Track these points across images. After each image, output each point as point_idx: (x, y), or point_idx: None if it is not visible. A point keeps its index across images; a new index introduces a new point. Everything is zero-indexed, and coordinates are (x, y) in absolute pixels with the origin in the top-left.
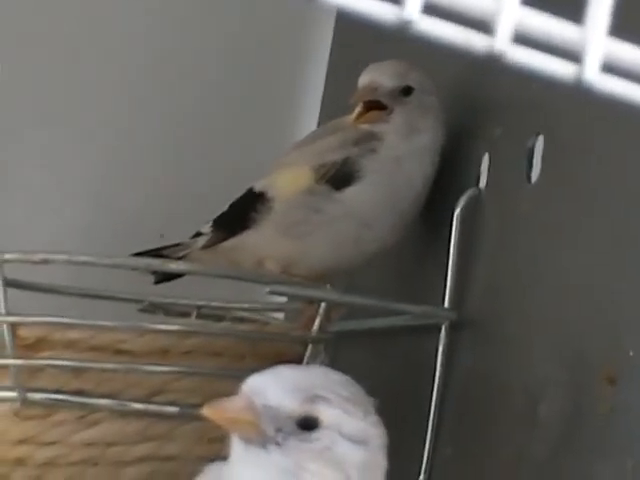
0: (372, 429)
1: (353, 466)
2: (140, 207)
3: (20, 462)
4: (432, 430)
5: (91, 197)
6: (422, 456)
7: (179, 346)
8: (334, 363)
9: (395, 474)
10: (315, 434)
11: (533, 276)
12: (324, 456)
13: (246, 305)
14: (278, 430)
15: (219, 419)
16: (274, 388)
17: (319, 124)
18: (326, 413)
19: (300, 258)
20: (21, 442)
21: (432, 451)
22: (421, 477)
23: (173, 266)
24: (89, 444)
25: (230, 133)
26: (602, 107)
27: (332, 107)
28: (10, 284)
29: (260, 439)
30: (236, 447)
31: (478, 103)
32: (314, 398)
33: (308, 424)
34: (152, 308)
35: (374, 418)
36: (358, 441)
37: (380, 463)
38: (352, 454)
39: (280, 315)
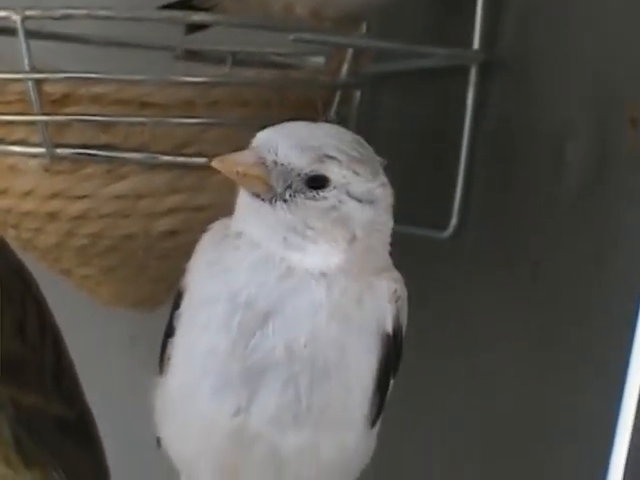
0: (380, 190)
1: (359, 225)
2: None
3: (52, 216)
4: (463, 172)
5: None
6: (454, 199)
7: (205, 97)
8: (368, 107)
9: (427, 214)
10: (323, 193)
11: (563, 16)
12: (330, 215)
13: (282, 50)
14: (287, 187)
15: (228, 172)
16: (285, 145)
17: None
18: (335, 173)
19: (329, 0)
20: (52, 197)
21: (463, 194)
22: (453, 220)
23: (196, 17)
24: (119, 197)
25: None
26: None
27: None
28: (33, 36)
29: (268, 194)
30: (244, 198)
31: None
32: (324, 158)
33: (317, 183)
34: (187, 56)
35: (383, 179)
36: (365, 201)
37: (387, 222)
38: (359, 214)
39: (320, 59)
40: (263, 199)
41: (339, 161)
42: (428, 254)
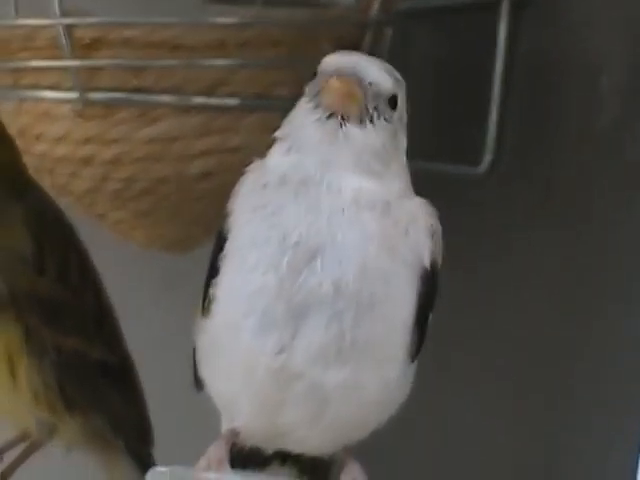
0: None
1: (403, 149)
2: None
3: (86, 161)
4: (497, 108)
5: None
6: (487, 135)
7: (236, 38)
8: (399, 45)
9: (461, 151)
10: (392, 115)
11: None
12: (395, 137)
13: None
14: (375, 108)
15: (339, 94)
16: (374, 67)
17: None
18: (400, 97)
19: None
20: (85, 142)
21: (497, 130)
22: (487, 156)
23: None
24: (152, 140)
25: None
26: None
27: None
28: None
29: (358, 117)
30: (311, 128)
31: None
32: (397, 81)
33: (391, 104)
34: None
35: None
36: (403, 126)
37: None
38: (403, 137)
39: None
40: (343, 122)
41: (404, 85)
42: (461, 190)
